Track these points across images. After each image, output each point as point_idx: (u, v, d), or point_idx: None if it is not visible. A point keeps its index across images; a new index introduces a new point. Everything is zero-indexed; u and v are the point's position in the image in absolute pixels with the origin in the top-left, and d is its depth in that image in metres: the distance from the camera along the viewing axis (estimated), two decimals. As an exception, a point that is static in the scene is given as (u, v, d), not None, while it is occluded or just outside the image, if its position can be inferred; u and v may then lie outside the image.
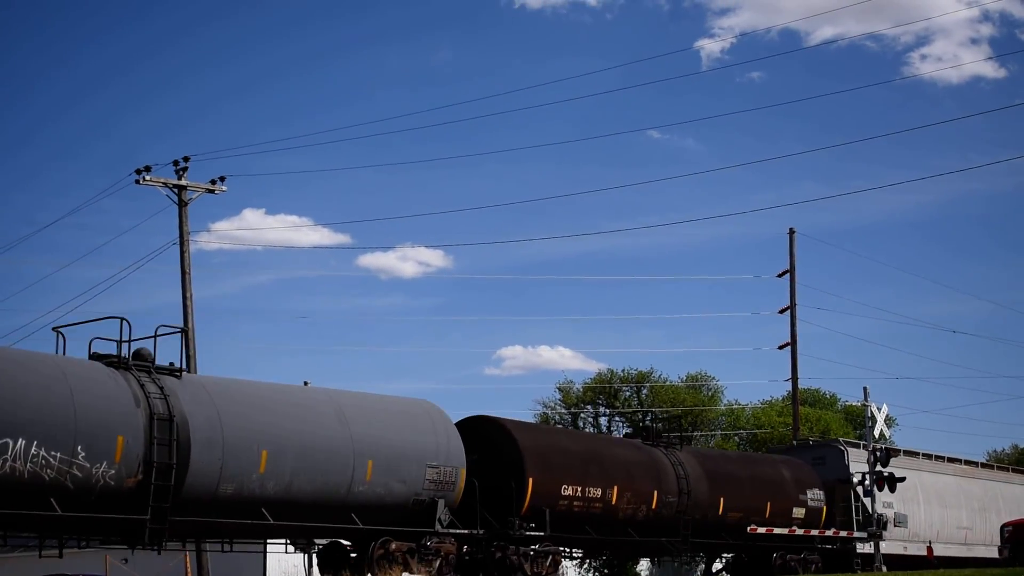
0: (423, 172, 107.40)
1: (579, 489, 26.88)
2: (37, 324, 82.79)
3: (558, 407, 63.58)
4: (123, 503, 19.45)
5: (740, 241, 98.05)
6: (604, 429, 63.13)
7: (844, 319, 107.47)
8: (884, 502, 36.46)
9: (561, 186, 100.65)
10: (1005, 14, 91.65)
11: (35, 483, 18.11)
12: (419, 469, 23.74)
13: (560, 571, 43.72)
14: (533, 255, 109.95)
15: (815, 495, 33.90)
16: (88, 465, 18.67)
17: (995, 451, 79.01)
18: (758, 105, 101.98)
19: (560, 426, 54.69)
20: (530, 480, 25.70)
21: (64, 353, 20.39)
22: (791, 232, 45.29)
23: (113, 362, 20.29)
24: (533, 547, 26.18)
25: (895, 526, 35.95)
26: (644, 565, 48.08)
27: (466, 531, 24.73)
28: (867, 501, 34.49)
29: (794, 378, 45.06)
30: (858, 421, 57.69)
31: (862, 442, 38.20)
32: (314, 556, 24.34)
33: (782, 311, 45.20)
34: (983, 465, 43.32)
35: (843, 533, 34.13)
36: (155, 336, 21.07)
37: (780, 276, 45.52)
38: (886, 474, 34.29)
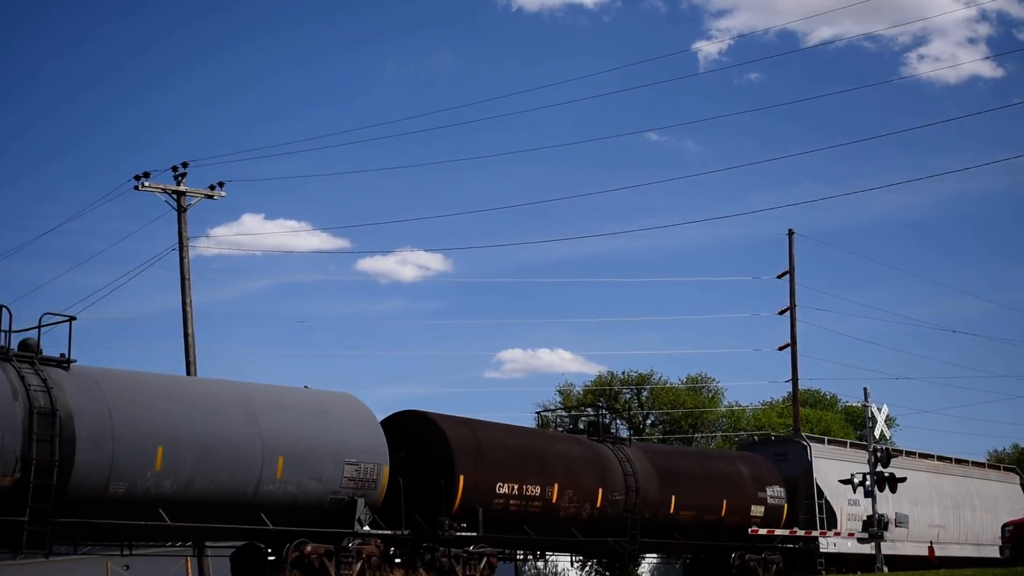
0: (422, 176, 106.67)
1: (516, 487, 25.49)
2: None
3: (559, 410, 62.98)
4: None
5: (739, 242, 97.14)
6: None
7: (844, 320, 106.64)
8: (850, 499, 35.11)
9: (560, 189, 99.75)
10: (1003, 13, 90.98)
11: None
12: (336, 466, 22.35)
13: (560, 570, 42.56)
14: (532, 258, 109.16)
15: (776, 492, 32.52)
16: (-44, 463, 17.29)
17: (996, 451, 78.10)
18: (756, 106, 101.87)
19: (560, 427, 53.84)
20: (461, 477, 24.34)
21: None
22: (790, 233, 45.24)
23: (-8, 352, 18.92)
24: (467, 548, 24.82)
25: (896, 527, 34.59)
26: (645, 567, 47.02)
27: (389, 532, 23.37)
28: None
29: (794, 379, 44.96)
30: (859, 422, 57.84)
31: (826, 438, 36.89)
32: (206, 560, 22.90)
33: (782, 312, 45.07)
34: (957, 461, 41.88)
35: (803, 532, 32.79)
36: (39, 327, 19.71)
37: (780, 277, 45.39)
38: (887, 475, 33.12)
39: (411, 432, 24.86)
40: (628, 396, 63.93)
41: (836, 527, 34.06)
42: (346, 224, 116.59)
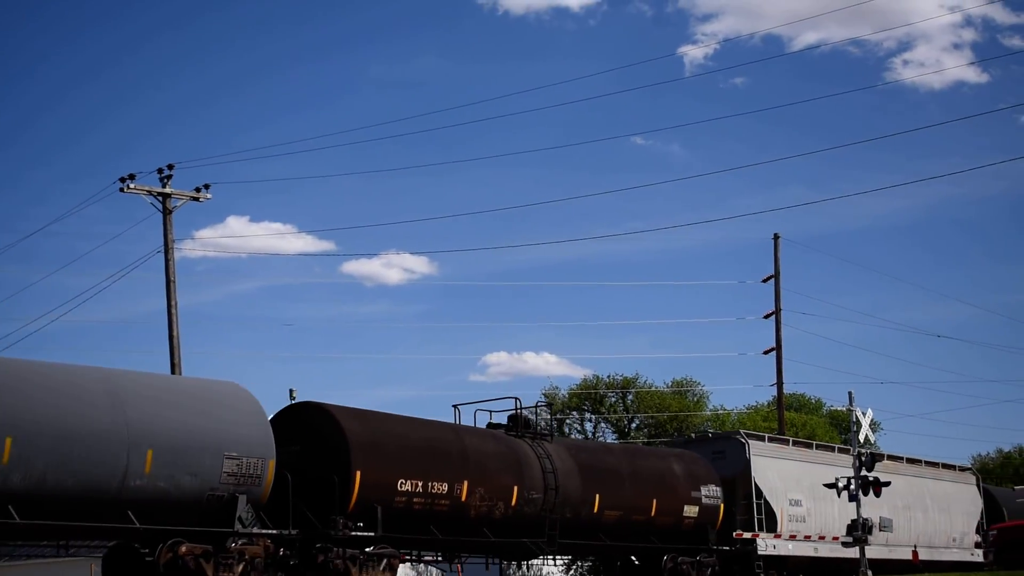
0: (407, 178, 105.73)
1: (420, 484, 23.87)
2: (21, 333, 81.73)
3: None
4: None
5: (725, 246, 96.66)
6: (590, 435, 61.78)
7: (829, 324, 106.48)
8: (792, 499, 33.62)
9: (546, 192, 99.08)
10: (987, 19, 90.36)
11: None
12: (215, 460, 20.70)
13: (544, 573, 41.01)
14: (518, 261, 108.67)
15: (711, 492, 30.95)
16: None
17: (979, 455, 77.07)
18: (742, 110, 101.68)
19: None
20: (357, 473, 22.71)
21: None
22: (776, 237, 45.42)
23: None
24: (364, 549, 23.20)
25: (880, 531, 33.09)
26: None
27: (275, 531, 21.73)
28: (853, 506, 31.89)
29: (779, 383, 44.97)
30: (843, 426, 58.22)
31: (767, 435, 35.39)
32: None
33: (767, 316, 45.14)
34: (910, 461, 40.39)
35: (748, 535, 31.29)
36: None
37: (765, 281, 45.45)
38: (871, 479, 31.99)
39: (307, 424, 23.26)
40: (613, 399, 64.08)
41: (776, 529, 32.57)
42: (331, 227, 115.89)
